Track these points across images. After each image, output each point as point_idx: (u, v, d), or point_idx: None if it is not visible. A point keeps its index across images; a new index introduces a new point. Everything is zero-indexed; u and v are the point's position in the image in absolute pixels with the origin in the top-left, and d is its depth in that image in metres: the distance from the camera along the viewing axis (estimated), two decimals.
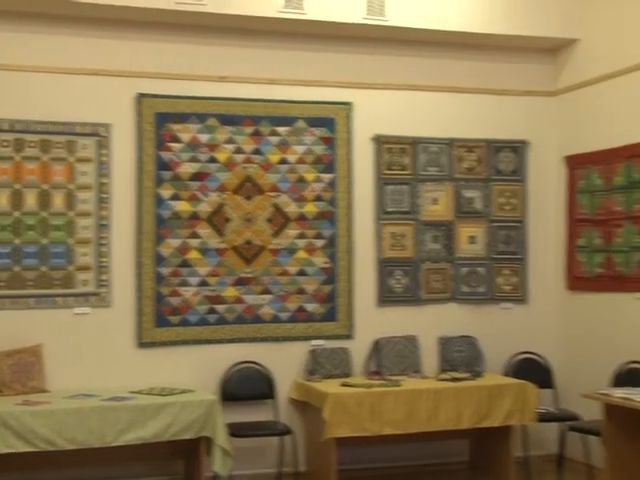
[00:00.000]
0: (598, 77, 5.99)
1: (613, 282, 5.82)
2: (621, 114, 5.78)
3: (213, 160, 5.83)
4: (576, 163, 6.21)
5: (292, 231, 5.95)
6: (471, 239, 6.32)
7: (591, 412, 5.30)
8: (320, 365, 5.84)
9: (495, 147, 6.39)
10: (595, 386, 5.32)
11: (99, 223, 5.61)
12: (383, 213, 6.15)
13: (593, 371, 5.83)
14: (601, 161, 5.94)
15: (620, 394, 4.87)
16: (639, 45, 5.62)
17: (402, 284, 6.18)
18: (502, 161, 6.41)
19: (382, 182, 6.16)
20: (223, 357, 5.77)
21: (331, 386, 5.48)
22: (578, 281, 6.18)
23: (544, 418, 5.67)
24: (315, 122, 6.03)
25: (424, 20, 5.90)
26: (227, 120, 5.86)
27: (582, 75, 6.18)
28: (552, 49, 6.41)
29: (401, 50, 6.18)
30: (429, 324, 6.18)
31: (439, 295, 6.25)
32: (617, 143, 5.78)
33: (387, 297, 6.14)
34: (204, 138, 5.82)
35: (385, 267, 6.14)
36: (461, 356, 6.12)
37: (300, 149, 5.99)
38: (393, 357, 6.01)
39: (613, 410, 4.91)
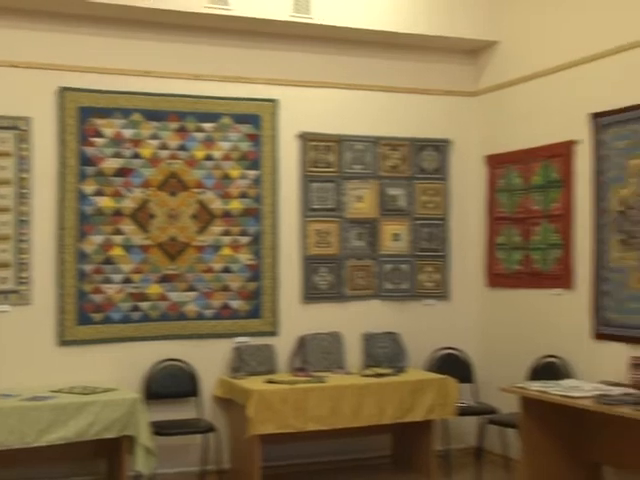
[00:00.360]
0: (517, 79, 6.15)
1: (531, 279, 5.99)
2: (539, 115, 5.94)
3: (137, 156, 5.77)
4: (496, 162, 6.36)
5: (217, 228, 5.94)
6: (395, 236, 6.41)
7: (509, 405, 5.44)
8: (244, 362, 5.84)
9: (419, 146, 6.49)
10: (513, 380, 5.47)
11: (19, 219, 5.49)
12: (308, 210, 6.19)
13: (511, 365, 5.99)
14: (520, 161, 6.10)
15: (536, 387, 5.03)
16: (557, 48, 5.78)
17: (327, 281, 6.22)
18: (425, 160, 6.52)
19: (307, 179, 6.20)
20: (146, 355, 5.72)
21: (255, 383, 5.49)
22: (497, 278, 6.33)
23: (464, 412, 5.80)
24: (241, 119, 6.02)
25: (349, 19, 5.95)
26: (152, 115, 5.80)
27: (502, 76, 6.33)
28: (474, 50, 6.55)
29: (327, 48, 6.22)
30: (353, 321, 6.25)
31: (363, 292, 6.33)
32: (535, 143, 5.95)
33: (312, 294, 6.18)
34: (128, 133, 5.75)
35: (310, 264, 6.18)
36: (384, 352, 6.21)
37: (225, 145, 5.98)
38: (318, 354, 6.05)
39: (529, 403, 5.06)
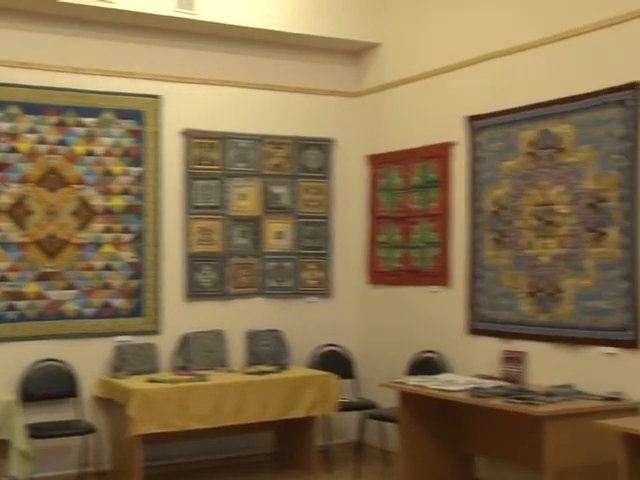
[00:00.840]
0: (398, 81, 6.29)
1: (410, 276, 6.14)
2: (419, 117, 6.11)
3: (14, 150, 5.59)
4: (377, 162, 6.50)
5: (98, 225, 5.83)
6: (278, 234, 6.45)
7: (389, 400, 5.57)
8: (126, 361, 5.76)
9: (302, 145, 6.55)
10: (393, 375, 5.62)
11: None
12: (192, 208, 6.15)
13: (391, 361, 6.14)
14: (400, 161, 6.25)
15: (414, 382, 5.17)
16: (436, 52, 5.96)
17: (210, 279, 6.21)
18: (309, 158, 6.59)
19: (191, 177, 6.16)
20: (23, 355, 5.55)
21: (137, 382, 5.42)
22: (378, 275, 6.47)
23: (345, 407, 5.91)
24: (123, 114, 5.92)
25: (234, 16, 5.95)
26: (29, 109, 5.63)
27: (384, 78, 6.46)
28: (357, 52, 6.66)
29: (212, 45, 6.19)
30: (236, 318, 6.25)
31: (247, 290, 6.34)
32: (415, 144, 6.10)
33: (195, 292, 6.15)
34: (5, 127, 5.56)
35: (193, 262, 6.15)
36: (267, 350, 6.24)
37: (107, 141, 5.87)
38: (200, 352, 6.03)
39: (408, 397, 5.20)
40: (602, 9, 4.78)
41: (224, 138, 6.27)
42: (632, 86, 4.58)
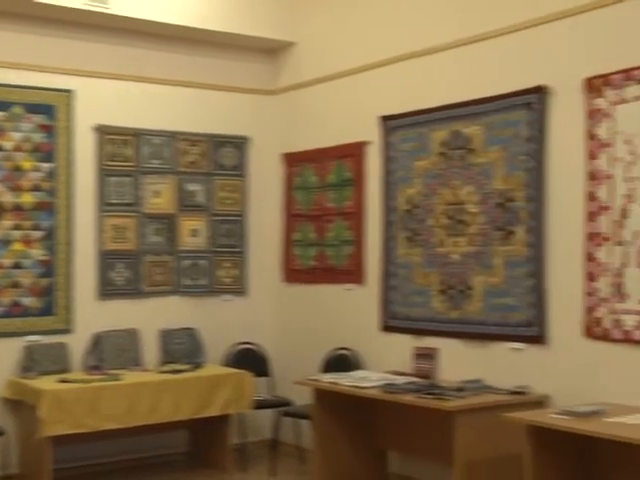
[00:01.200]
0: (313, 80, 6.33)
1: (325, 274, 6.19)
2: (334, 116, 6.16)
3: None
4: (293, 161, 6.53)
5: (7, 222, 5.68)
6: (193, 232, 6.41)
7: (304, 397, 5.60)
8: (36, 362, 5.63)
9: (218, 142, 6.53)
10: (308, 373, 5.65)
11: None
12: (105, 205, 6.06)
13: (306, 358, 6.17)
14: (315, 159, 6.29)
15: (328, 379, 5.22)
16: (350, 52, 6.02)
17: (124, 277, 6.12)
18: (224, 156, 6.56)
19: (104, 173, 6.06)
20: None
21: (48, 383, 5.31)
22: (293, 273, 6.50)
23: (260, 405, 5.92)
24: (34, 109, 5.79)
25: (147, 11, 5.87)
26: None
27: (299, 77, 6.50)
28: (273, 50, 6.67)
29: (125, 40, 6.10)
30: (151, 317, 6.19)
31: (161, 288, 6.28)
32: (330, 143, 6.16)
33: (108, 290, 6.06)
34: None
35: (106, 260, 6.05)
36: (182, 348, 6.20)
37: (17, 136, 5.73)
38: (113, 351, 5.94)
39: (322, 394, 5.24)
40: (512, 14, 4.92)
41: (138, 134, 6.19)
42: (538, 90, 4.73)
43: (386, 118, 5.67)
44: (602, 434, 3.73)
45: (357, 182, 5.94)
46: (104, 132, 6.06)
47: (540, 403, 4.60)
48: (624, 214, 4.32)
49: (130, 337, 6.04)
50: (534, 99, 4.75)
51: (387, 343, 5.65)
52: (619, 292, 4.33)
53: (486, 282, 5.00)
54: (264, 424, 6.37)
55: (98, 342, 5.93)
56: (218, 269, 6.50)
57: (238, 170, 6.62)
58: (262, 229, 6.68)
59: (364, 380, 5.11)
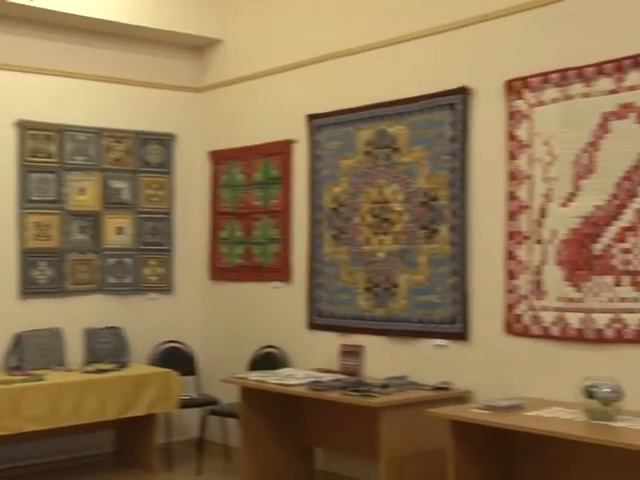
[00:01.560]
0: (240, 77, 6.32)
1: (252, 272, 6.19)
2: (260, 114, 6.16)
3: None
4: (220, 158, 6.50)
5: None
6: (118, 230, 6.33)
7: (231, 396, 5.59)
8: None
9: (143, 139, 6.45)
10: (235, 371, 5.64)
11: None
12: (27, 202, 5.93)
13: (234, 357, 6.16)
14: (242, 157, 6.28)
15: (255, 377, 5.22)
16: (277, 50, 6.02)
17: (47, 275, 6.01)
18: (150, 153, 6.50)
19: (26, 170, 5.93)
20: None
21: None
22: (220, 272, 6.48)
23: (186, 404, 5.88)
24: None
25: (72, 5, 5.77)
26: None
27: (226, 74, 6.47)
28: (198, 47, 6.63)
29: (49, 33, 5.98)
30: (75, 316, 6.08)
31: (85, 286, 6.18)
32: (257, 141, 6.15)
33: (30, 289, 5.93)
34: None
35: (28, 258, 5.93)
36: (107, 347, 6.12)
37: None
38: (36, 351, 5.82)
39: (249, 393, 5.24)
40: (436, 16, 4.99)
41: (61, 130, 6.07)
42: (461, 91, 4.82)
43: (312, 117, 5.70)
44: (521, 427, 3.83)
45: (284, 180, 5.96)
46: (25, 127, 5.93)
47: (463, 398, 4.70)
48: (543, 213, 4.44)
49: (53, 336, 5.93)
50: (457, 100, 4.84)
51: (313, 341, 5.69)
52: (538, 289, 4.45)
53: (411, 280, 5.08)
54: (191, 423, 6.34)
55: (19, 342, 5.80)
56: (144, 267, 6.44)
57: (164, 167, 6.56)
58: (188, 227, 6.64)
59: (290, 378, 5.13)
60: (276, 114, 6.02)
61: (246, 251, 6.24)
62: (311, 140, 5.72)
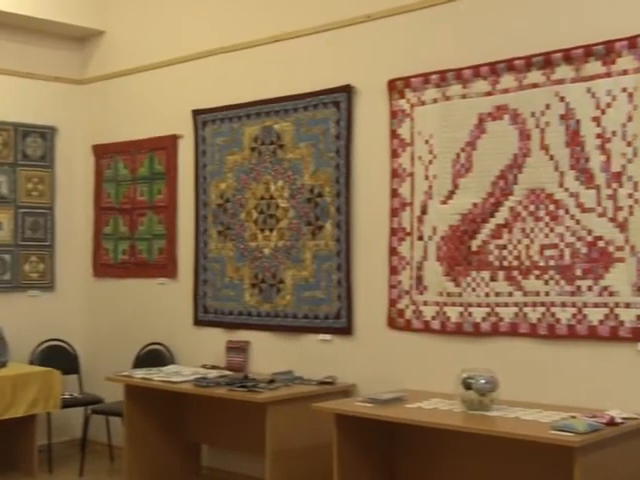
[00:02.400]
0: (124, 70, 6.20)
1: (137, 269, 6.10)
2: (145, 108, 6.06)
3: None
4: (103, 152, 6.36)
5: None
6: None
7: (117, 394, 5.49)
8: None
9: (23, 131, 6.24)
10: (120, 369, 5.55)
11: None
12: None
13: (119, 354, 6.06)
14: (126, 152, 6.17)
15: (140, 375, 5.16)
16: (163, 44, 5.95)
17: None
18: (30, 146, 6.30)
19: None
20: None
21: None
22: (104, 268, 6.35)
23: (68, 404, 5.74)
24: None
25: None
26: None
27: (108, 67, 6.34)
28: (81, 38, 6.47)
29: None
30: None
31: None
32: (141, 135, 6.06)
33: None
34: None
35: None
36: None
37: None
38: None
39: (133, 391, 5.17)
40: (323, 14, 5.04)
41: None
42: (346, 89, 4.89)
43: (198, 112, 5.66)
44: (401, 419, 3.94)
45: (169, 176, 5.89)
46: None
47: (347, 392, 4.78)
48: (424, 210, 4.56)
49: None
50: (342, 98, 4.90)
51: (200, 337, 5.66)
52: (419, 285, 4.57)
53: (296, 276, 5.12)
54: (74, 423, 6.20)
55: None
56: (24, 263, 6.24)
57: (45, 161, 6.37)
58: (71, 222, 6.47)
59: (176, 375, 5.09)
60: (161, 108, 5.94)
61: (131, 247, 6.14)
62: (197, 135, 5.67)
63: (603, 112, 3.95)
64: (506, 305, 4.23)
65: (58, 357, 6.08)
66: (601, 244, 3.95)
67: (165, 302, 5.90)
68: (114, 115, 6.31)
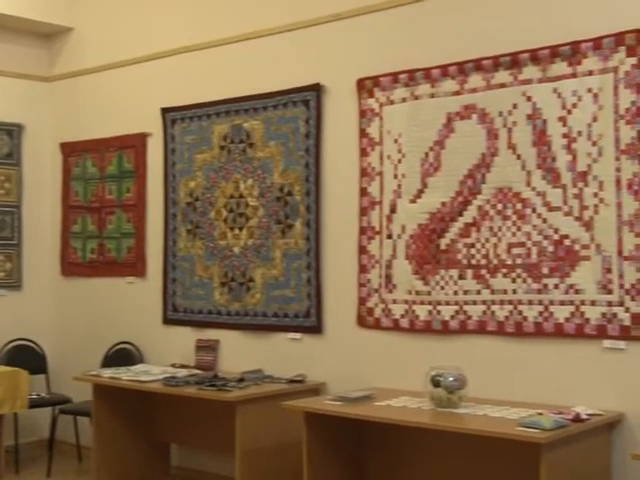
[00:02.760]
0: (92, 68, 6.16)
1: (105, 267, 6.06)
2: (114, 106, 6.02)
3: None
4: (71, 150, 6.31)
5: None
6: None
7: (85, 394, 5.45)
8: None
9: None
10: (89, 368, 5.51)
11: None
12: None
13: (87, 354, 6.01)
14: (95, 150, 6.12)
15: (108, 374, 5.13)
16: (131, 41, 5.91)
17: None
18: None
19: None
20: None
21: None
22: (72, 267, 6.30)
23: (36, 404, 5.68)
24: None
25: None
26: None
27: (77, 64, 6.28)
28: (48, 34, 6.40)
29: None
30: None
31: None
32: (110, 133, 6.01)
33: None
34: None
35: None
36: None
37: None
38: None
39: (102, 390, 5.14)
40: (291, 12, 5.05)
41: None
42: (315, 88, 4.90)
43: (167, 110, 5.63)
44: (370, 417, 3.96)
45: (138, 174, 5.85)
46: None
47: (317, 390, 4.79)
48: (393, 209, 4.59)
49: None
50: (311, 97, 4.91)
51: (169, 336, 5.64)
52: (388, 283, 4.59)
53: (266, 274, 5.12)
54: (42, 423, 6.14)
55: None
56: None
57: (12, 159, 6.29)
58: (38, 221, 6.41)
59: (145, 374, 5.07)
60: (130, 106, 5.91)
61: (99, 246, 6.10)
62: (166, 134, 5.65)
63: (569, 112, 4.00)
64: (474, 303, 4.27)
65: (25, 357, 6.02)
66: (567, 243, 4.00)
67: (134, 301, 5.87)
68: (82, 113, 6.26)
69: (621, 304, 3.84)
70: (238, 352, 5.25)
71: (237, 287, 5.25)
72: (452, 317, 4.35)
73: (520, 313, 4.13)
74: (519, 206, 4.14)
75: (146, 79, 5.82)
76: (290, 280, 5.01)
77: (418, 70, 4.47)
